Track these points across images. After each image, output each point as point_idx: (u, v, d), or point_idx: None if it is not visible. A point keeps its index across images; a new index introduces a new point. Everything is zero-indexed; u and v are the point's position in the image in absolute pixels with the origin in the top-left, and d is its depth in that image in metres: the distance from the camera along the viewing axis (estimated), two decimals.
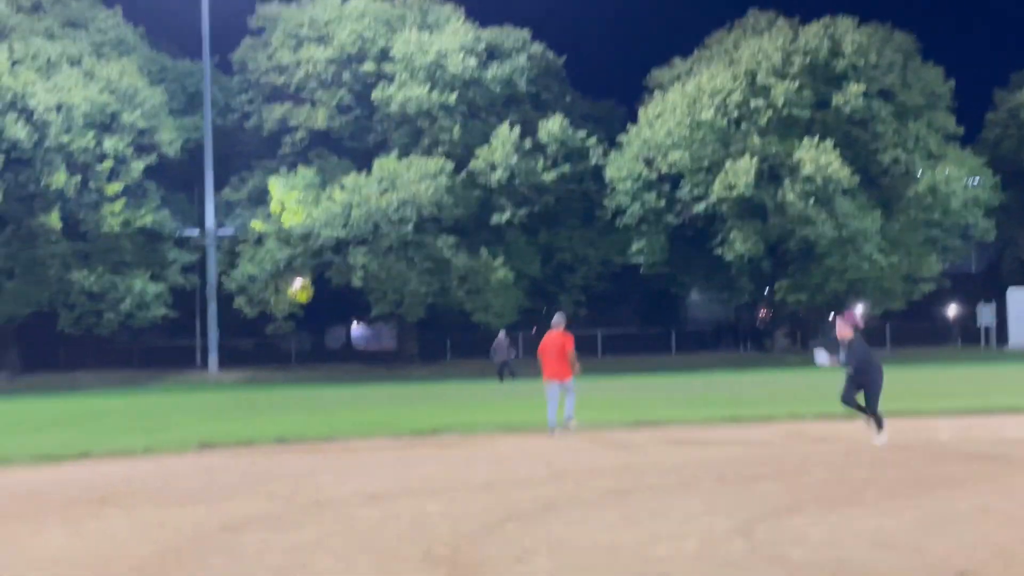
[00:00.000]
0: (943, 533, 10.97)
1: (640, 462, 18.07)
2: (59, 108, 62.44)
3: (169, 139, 66.56)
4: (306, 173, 68.69)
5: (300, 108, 71.70)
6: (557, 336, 23.92)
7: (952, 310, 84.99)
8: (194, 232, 69.02)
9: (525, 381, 49.16)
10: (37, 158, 62.15)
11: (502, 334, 55.04)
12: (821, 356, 20.65)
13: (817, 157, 66.12)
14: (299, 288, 67.78)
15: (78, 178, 62.69)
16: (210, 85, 68.19)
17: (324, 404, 37.33)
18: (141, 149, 65.56)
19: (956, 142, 74.65)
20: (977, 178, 72.41)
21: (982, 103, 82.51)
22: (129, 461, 20.43)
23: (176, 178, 70.20)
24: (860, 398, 19.86)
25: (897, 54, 71.79)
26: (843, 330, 19.85)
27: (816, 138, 67.44)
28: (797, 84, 68.63)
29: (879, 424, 19.80)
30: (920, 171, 71.05)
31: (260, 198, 69.44)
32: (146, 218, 65.24)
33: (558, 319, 24.14)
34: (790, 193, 66.36)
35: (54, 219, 62.33)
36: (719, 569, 9.67)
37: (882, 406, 19.53)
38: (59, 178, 61.71)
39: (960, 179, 70.61)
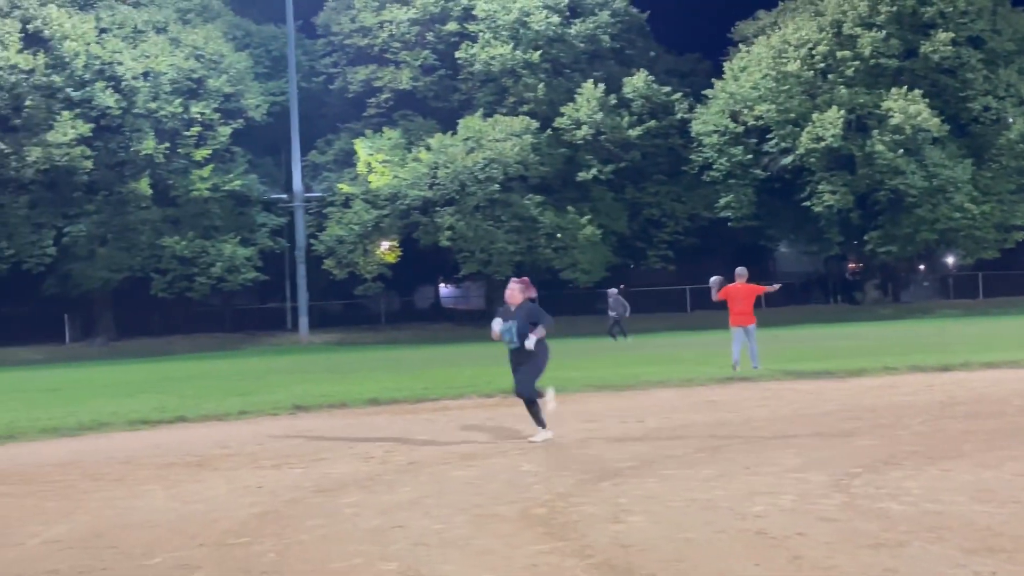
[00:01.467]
0: None
1: (733, 418, 18.00)
2: (146, 75, 63.04)
3: (255, 103, 67.03)
4: (392, 134, 68.91)
5: (384, 69, 71.85)
6: (744, 286, 26.96)
7: None
8: (282, 195, 69.46)
9: (636, 339, 49.12)
10: (126, 125, 62.83)
11: (615, 291, 53.54)
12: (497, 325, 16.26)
13: (906, 107, 65.47)
14: (387, 249, 68.06)
15: (166, 144, 63.30)
16: (294, 49, 68.42)
17: (414, 365, 37.49)
18: (227, 114, 66.06)
19: None
20: None
21: None
22: (224, 425, 20.63)
23: (263, 142, 70.63)
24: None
25: (986, 0, 70.75)
26: (514, 295, 16.26)
27: (904, 87, 66.75)
28: (884, 33, 67.94)
29: (537, 416, 16.22)
30: (1011, 118, 70.08)
31: (347, 160, 69.77)
32: (234, 183, 65.78)
33: (741, 271, 27.13)
34: (879, 143, 65.77)
35: (144, 185, 62.96)
36: (816, 524, 9.61)
37: (954, 357, 19.01)
38: (148, 144, 62.33)
39: None
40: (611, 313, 51.39)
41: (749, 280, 27.46)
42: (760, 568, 8.29)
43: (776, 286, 27.75)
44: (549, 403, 16.35)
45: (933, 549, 8.56)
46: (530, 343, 15.73)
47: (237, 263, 65.12)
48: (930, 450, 13.52)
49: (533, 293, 16.33)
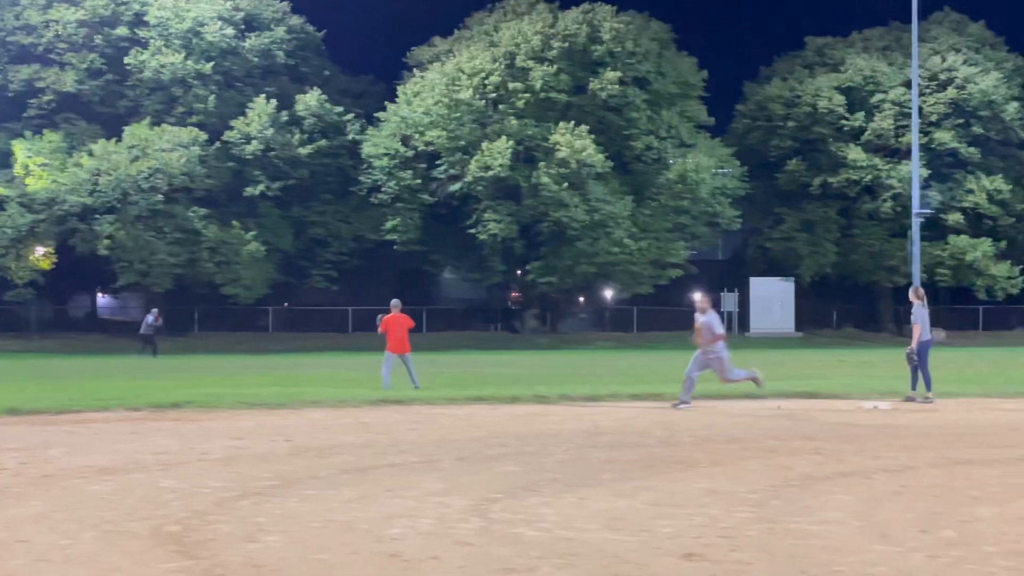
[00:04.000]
0: (672, 515, 11.12)
1: (381, 440, 17.98)
2: None
3: None
4: (53, 137, 66.84)
5: (48, 70, 69.67)
6: (400, 317, 28.83)
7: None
8: None
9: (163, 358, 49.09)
10: None
11: (155, 312, 56.64)
12: None
13: (572, 141, 67.10)
14: (41, 255, 65.89)
15: None
16: None
17: (62, 375, 36.39)
18: None
19: (707, 132, 76.59)
20: (725, 168, 74.22)
21: (732, 95, 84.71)
22: None
23: None
24: None
25: (653, 43, 73.27)
26: None
27: (572, 122, 68.37)
28: (555, 68, 69.56)
29: None
30: (671, 159, 72.61)
31: (3, 161, 67.33)
32: None
33: (397, 303, 29.18)
34: (544, 176, 67.15)
35: None
36: (452, 547, 9.63)
37: (603, 388, 19.33)
38: None
39: (709, 168, 72.41)
40: (142, 332, 53.86)
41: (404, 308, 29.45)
42: None
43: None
44: None
45: (561, 575, 8.66)
46: None
47: None
48: (570, 478, 13.72)
49: None
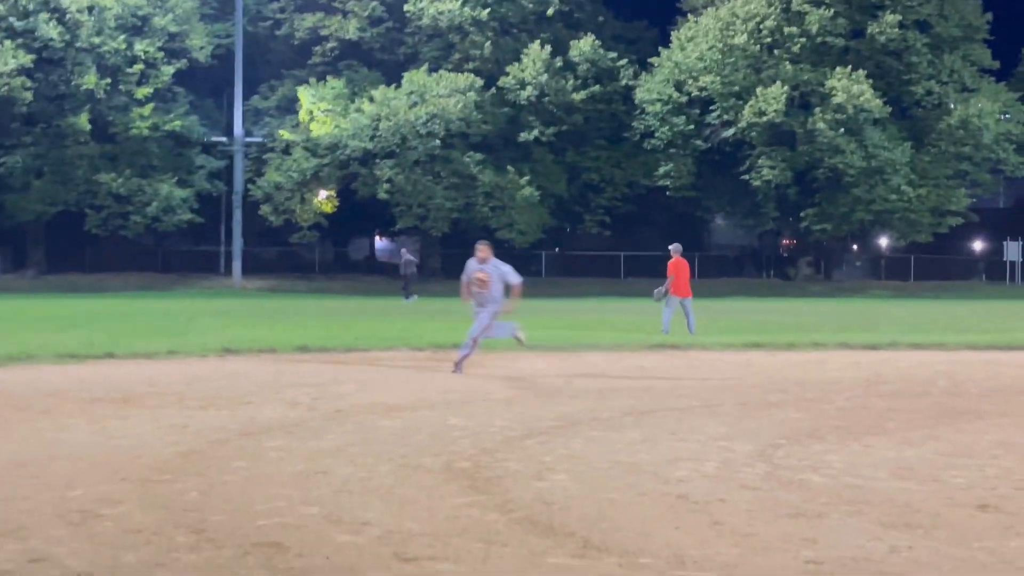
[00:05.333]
0: (963, 466, 10.95)
1: (660, 384, 18.09)
2: (91, 9, 62.36)
3: (200, 44, 66.42)
4: (336, 84, 68.45)
5: (332, 18, 71.29)
6: (681, 261, 29.45)
7: (978, 245, 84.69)
8: (222, 139, 68.94)
9: (425, 300, 49.42)
10: (68, 59, 62.20)
11: (405, 250, 56.56)
12: None
13: (849, 86, 65.75)
14: (324, 198, 67.73)
15: (108, 80, 62.73)
16: None
17: (346, 315, 37.45)
18: (172, 54, 65.46)
19: (991, 76, 74.17)
20: (1010, 113, 71.83)
21: (1019, 37, 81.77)
22: (152, 363, 20.51)
23: (205, 84, 70.04)
24: None
25: None
26: None
27: (849, 67, 67.03)
28: (832, 12, 68.18)
29: None
30: (953, 104, 70.58)
31: (289, 107, 69.29)
32: (175, 123, 65.23)
33: (678, 247, 29.98)
34: (820, 121, 66.02)
35: (83, 120, 62.36)
36: (738, 491, 9.67)
37: (882, 337, 18.99)
38: (89, 79, 61.74)
39: (993, 113, 70.08)
40: (403, 272, 53.66)
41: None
42: (680, 531, 8.33)
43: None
44: None
45: (851, 522, 8.63)
46: None
47: (173, 204, 64.70)
48: (854, 426, 13.62)
49: None
